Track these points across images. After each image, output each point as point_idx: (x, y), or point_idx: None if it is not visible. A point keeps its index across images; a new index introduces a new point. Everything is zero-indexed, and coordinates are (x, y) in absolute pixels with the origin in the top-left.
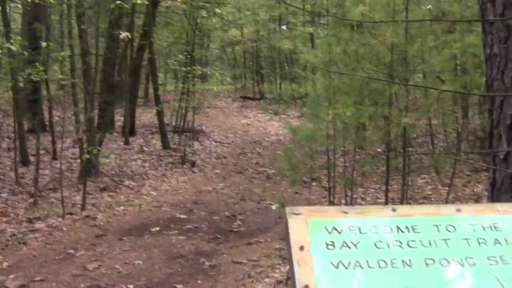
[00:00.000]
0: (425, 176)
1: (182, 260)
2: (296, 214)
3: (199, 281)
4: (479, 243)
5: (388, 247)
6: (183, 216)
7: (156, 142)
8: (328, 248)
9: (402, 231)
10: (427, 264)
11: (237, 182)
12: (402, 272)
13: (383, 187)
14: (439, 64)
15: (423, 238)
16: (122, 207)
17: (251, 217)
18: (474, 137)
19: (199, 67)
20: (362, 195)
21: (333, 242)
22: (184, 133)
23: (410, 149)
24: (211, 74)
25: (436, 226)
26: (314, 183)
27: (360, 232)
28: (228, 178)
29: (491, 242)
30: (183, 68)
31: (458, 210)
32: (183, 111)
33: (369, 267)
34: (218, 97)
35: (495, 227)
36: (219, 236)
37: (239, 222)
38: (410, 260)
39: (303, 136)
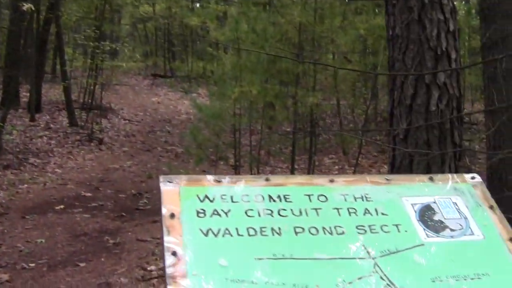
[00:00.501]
0: (333, 156)
1: (85, 238)
2: (170, 182)
3: (102, 259)
4: (349, 212)
5: (259, 215)
6: (88, 194)
7: (63, 119)
8: (198, 216)
9: (274, 200)
10: (296, 233)
11: (145, 160)
12: (271, 240)
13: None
14: (347, 45)
15: (294, 207)
16: (26, 185)
17: (158, 195)
18: (382, 118)
19: (108, 43)
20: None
21: (204, 210)
22: (92, 110)
23: (319, 129)
24: (121, 50)
25: (308, 196)
26: (221, 162)
27: (232, 201)
28: (136, 156)
29: (361, 212)
30: (91, 44)
31: (331, 180)
32: (92, 87)
33: (238, 234)
34: (128, 74)
35: (366, 197)
36: (124, 214)
37: (145, 200)
38: (279, 228)
39: (209, 114)
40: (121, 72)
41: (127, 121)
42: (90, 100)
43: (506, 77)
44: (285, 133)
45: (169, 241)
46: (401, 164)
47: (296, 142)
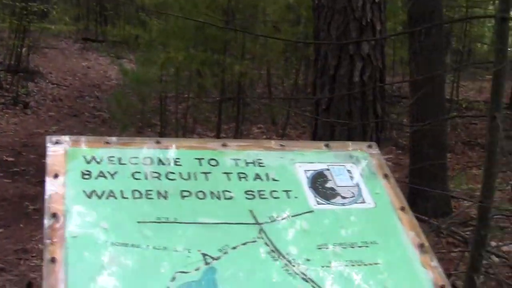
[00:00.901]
0: (261, 126)
1: (5, 204)
2: (57, 143)
3: (21, 225)
4: (239, 177)
5: (146, 178)
6: (10, 159)
7: None
8: (83, 178)
9: (163, 163)
10: (183, 196)
11: (71, 126)
12: (156, 203)
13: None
14: (276, 14)
15: (183, 171)
16: None
17: None
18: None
19: (37, 4)
20: None
21: (89, 172)
22: (19, 73)
23: (246, 97)
24: (51, 12)
25: (199, 159)
26: (149, 129)
27: (120, 163)
28: (62, 121)
29: (252, 177)
30: (18, 4)
31: (224, 145)
32: (18, 50)
33: (123, 197)
34: (58, 38)
35: (258, 162)
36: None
37: None
38: (166, 192)
39: (134, 79)
40: (51, 35)
41: (55, 86)
42: (16, 63)
43: (430, 50)
44: (212, 100)
45: (51, 202)
46: (323, 135)
47: (223, 111)
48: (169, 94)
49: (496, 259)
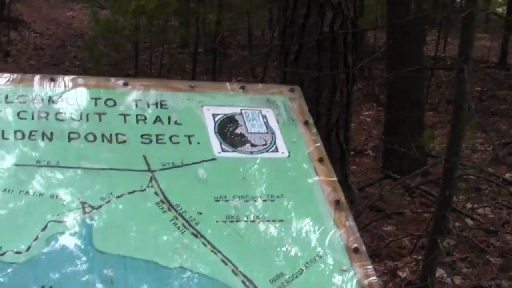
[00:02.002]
0: (241, 78)
1: None
2: None
3: None
4: (137, 120)
5: (32, 118)
6: None
7: None
8: None
9: (53, 102)
10: (70, 139)
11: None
12: (39, 145)
13: None
14: None
15: (75, 111)
16: None
17: None
18: None
19: None
20: None
21: None
22: (1, 22)
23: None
24: None
25: (95, 99)
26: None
27: (6, 101)
28: (42, 70)
29: (151, 120)
30: None
31: (126, 84)
32: None
33: (3, 138)
34: None
35: (161, 104)
36: None
37: None
38: (52, 133)
39: (105, 27)
40: None
41: (37, 35)
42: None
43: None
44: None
45: None
46: None
47: (200, 62)
48: (143, 43)
49: (470, 222)
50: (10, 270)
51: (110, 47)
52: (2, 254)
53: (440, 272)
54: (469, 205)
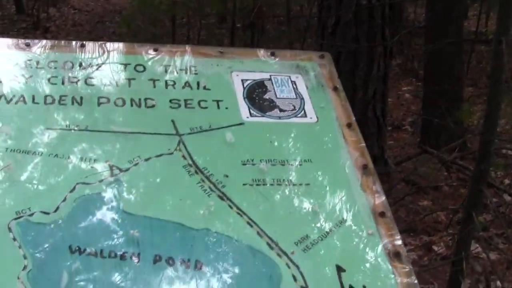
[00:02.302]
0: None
1: None
2: None
3: None
4: (166, 85)
5: (63, 83)
6: None
7: (11, 6)
8: None
9: (83, 68)
10: (99, 103)
11: None
12: (69, 110)
13: None
14: None
15: (104, 76)
16: None
17: None
18: None
19: None
20: None
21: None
22: None
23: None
24: None
25: (125, 65)
26: None
27: (37, 67)
28: None
29: (180, 85)
30: None
31: (156, 50)
32: None
33: (33, 102)
34: None
35: (191, 70)
36: None
37: None
38: (81, 98)
39: (142, 2)
40: None
41: (76, 11)
42: None
43: None
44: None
45: None
46: None
47: (235, 36)
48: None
49: (508, 198)
50: (38, 230)
51: (147, 22)
52: (31, 215)
53: (475, 247)
54: (507, 181)
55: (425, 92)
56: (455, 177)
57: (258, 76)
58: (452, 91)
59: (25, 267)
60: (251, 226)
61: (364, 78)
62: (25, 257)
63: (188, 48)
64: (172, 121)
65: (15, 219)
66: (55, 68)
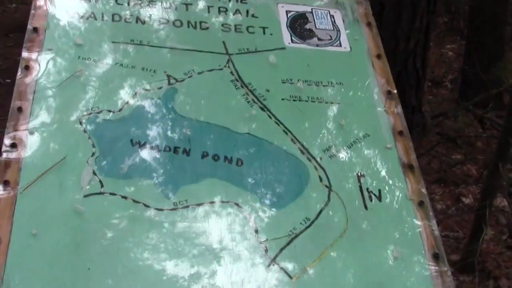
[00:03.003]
0: None
1: None
2: None
3: None
4: (219, 11)
5: (128, 4)
6: None
7: None
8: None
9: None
10: (160, 23)
11: None
12: (132, 27)
13: None
14: None
15: (165, 1)
16: (14, 4)
17: None
18: None
19: None
20: None
21: None
22: None
23: None
24: None
25: None
26: None
27: None
28: None
29: (232, 12)
30: None
31: None
32: None
33: (102, 20)
34: None
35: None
36: None
37: None
38: (144, 18)
39: None
40: None
41: None
42: None
43: None
44: None
45: (33, 18)
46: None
47: None
48: None
49: None
50: (104, 125)
51: None
52: (99, 112)
53: (501, 200)
54: None
55: (466, 50)
56: (489, 133)
57: (301, 8)
58: (493, 50)
59: (93, 154)
60: (286, 133)
61: (407, 31)
62: (93, 146)
63: None
64: (223, 42)
65: (86, 115)
66: None
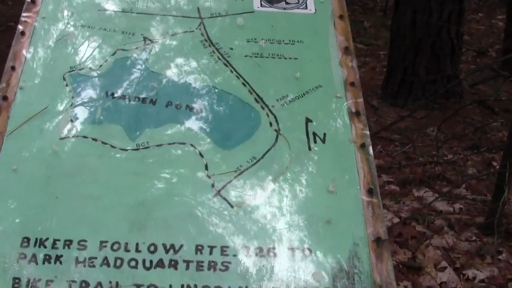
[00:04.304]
0: None
1: None
2: None
3: None
4: None
5: None
6: None
7: None
8: None
9: None
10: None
11: None
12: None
13: None
14: None
15: None
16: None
17: None
18: None
19: None
20: None
21: None
22: None
23: None
24: None
25: None
26: None
27: None
28: None
29: None
30: None
31: None
32: None
33: None
34: None
35: None
36: None
37: None
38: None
39: None
40: None
41: None
42: None
43: None
44: None
45: None
46: None
47: None
48: None
49: None
50: (84, 80)
51: None
52: (81, 69)
53: None
54: None
55: (509, 19)
56: None
57: None
58: None
59: (71, 104)
60: (245, 85)
61: (440, 0)
62: (72, 97)
63: None
64: (198, 8)
65: (69, 72)
66: None
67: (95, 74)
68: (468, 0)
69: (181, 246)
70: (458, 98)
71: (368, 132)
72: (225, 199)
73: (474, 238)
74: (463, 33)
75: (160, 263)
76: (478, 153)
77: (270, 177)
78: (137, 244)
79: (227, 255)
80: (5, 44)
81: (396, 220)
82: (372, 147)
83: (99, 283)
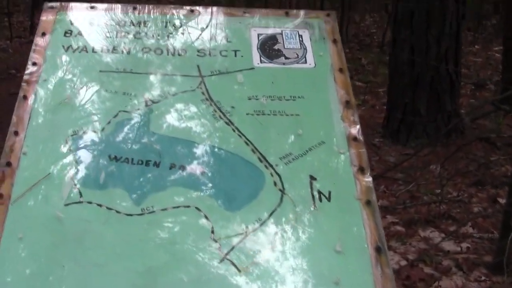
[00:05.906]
0: (374, 14)
1: None
2: (51, 8)
3: None
4: (197, 38)
5: (116, 37)
6: None
7: None
8: (65, 36)
9: (133, 25)
10: (143, 53)
11: None
12: (118, 57)
13: None
14: None
15: (149, 32)
16: None
17: None
18: None
19: None
20: None
21: (71, 31)
22: None
23: None
24: None
25: (166, 22)
26: None
27: (98, 25)
28: None
29: (207, 38)
30: None
31: (192, 11)
32: None
33: (93, 51)
34: None
35: (218, 27)
36: None
37: None
38: (129, 48)
39: None
40: None
41: None
42: None
43: None
44: None
45: (34, 53)
46: (402, 18)
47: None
48: None
49: None
50: (87, 143)
51: None
52: (84, 132)
53: None
54: None
55: (505, 51)
56: None
57: (271, 31)
58: None
59: (75, 169)
60: (247, 144)
61: (437, 37)
62: (76, 162)
63: (219, 9)
64: (198, 66)
65: (72, 135)
66: (111, 25)
67: (97, 137)
68: (464, 33)
69: None
70: (459, 134)
71: (372, 186)
72: (232, 263)
73: (483, 278)
74: (461, 67)
75: None
76: (482, 189)
77: (276, 239)
78: None
79: None
80: (6, 92)
81: (403, 262)
82: (375, 188)
83: None
